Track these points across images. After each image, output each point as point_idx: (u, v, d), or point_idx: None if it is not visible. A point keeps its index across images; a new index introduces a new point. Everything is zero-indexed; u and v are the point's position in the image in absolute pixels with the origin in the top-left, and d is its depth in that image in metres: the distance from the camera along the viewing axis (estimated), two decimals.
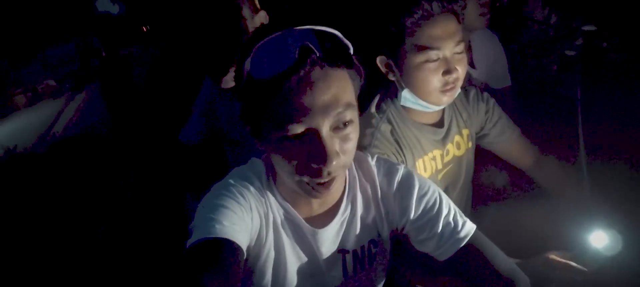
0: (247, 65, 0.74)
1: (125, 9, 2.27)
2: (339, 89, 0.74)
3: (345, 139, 0.76)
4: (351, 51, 0.76)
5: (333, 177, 0.77)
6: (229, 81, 1.42)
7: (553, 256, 0.97)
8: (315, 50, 0.71)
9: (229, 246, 0.76)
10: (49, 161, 1.75)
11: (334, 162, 0.74)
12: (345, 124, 0.75)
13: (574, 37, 1.75)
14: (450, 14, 1.05)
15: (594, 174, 1.19)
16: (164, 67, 1.99)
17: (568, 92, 1.53)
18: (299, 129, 0.73)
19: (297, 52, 0.71)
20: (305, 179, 0.77)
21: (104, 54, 2.05)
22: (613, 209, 1.10)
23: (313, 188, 0.78)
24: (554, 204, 1.27)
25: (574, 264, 0.94)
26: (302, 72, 0.71)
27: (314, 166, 0.74)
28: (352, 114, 0.75)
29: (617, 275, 0.99)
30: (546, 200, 1.29)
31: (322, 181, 0.76)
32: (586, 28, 1.70)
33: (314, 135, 0.73)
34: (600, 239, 1.03)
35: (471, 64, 1.61)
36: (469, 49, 1.59)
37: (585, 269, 0.94)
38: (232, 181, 0.86)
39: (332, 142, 0.74)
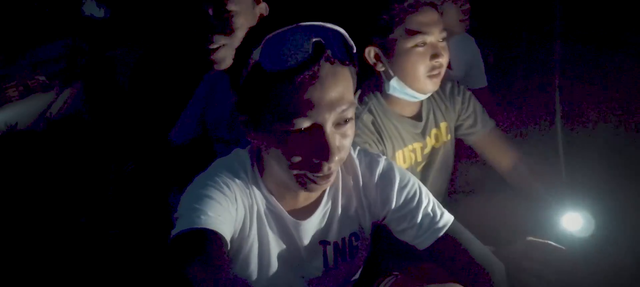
0: (256, 55, 0.75)
1: (110, 13, 2.32)
2: (345, 86, 0.76)
3: (344, 136, 0.79)
4: (354, 50, 0.79)
5: (332, 171, 0.80)
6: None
7: (531, 239, 1.01)
8: (327, 47, 0.74)
9: (214, 237, 0.78)
10: (37, 148, 1.83)
11: (336, 158, 0.76)
12: (346, 121, 0.78)
13: None
14: (432, 8, 1.16)
15: (568, 158, 1.23)
16: (148, 67, 2.03)
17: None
18: (305, 123, 0.74)
19: (311, 47, 0.73)
20: (303, 172, 0.79)
21: (88, 56, 2.09)
22: (586, 191, 1.15)
23: (312, 181, 0.79)
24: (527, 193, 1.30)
25: (552, 243, 0.99)
26: (315, 68, 0.72)
27: (315, 161, 0.76)
28: (352, 112, 0.78)
29: (590, 256, 1.02)
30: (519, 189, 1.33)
31: (321, 175, 0.78)
32: None
33: (318, 130, 0.75)
34: (573, 222, 1.07)
35: (449, 66, 1.67)
36: None
37: (563, 247, 0.98)
38: (216, 172, 0.87)
39: (334, 138, 0.76)
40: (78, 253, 1.52)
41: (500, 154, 1.35)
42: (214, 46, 1.25)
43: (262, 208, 0.90)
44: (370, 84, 1.27)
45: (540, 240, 0.99)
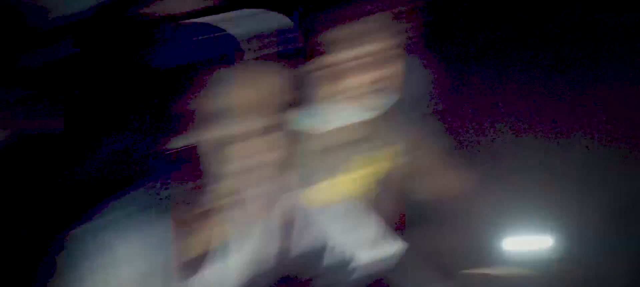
0: None
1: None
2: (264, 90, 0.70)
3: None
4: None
5: None
6: None
7: (466, 271, 0.96)
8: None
9: None
10: None
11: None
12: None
13: None
14: None
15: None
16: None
17: None
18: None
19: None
20: None
21: None
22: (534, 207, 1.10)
23: None
24: (471, 218, 1.21)
25: (489, 271, 0.94)
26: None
27: None
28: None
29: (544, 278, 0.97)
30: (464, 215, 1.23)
31: None
32: None
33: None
34: (524, 242, 1.04)
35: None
36: None
37: (500, 274, 0.92)
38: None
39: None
40: None
41: (445, 173, 1.28)
42: None
43: None
44: None
45: (477, 272, 0.94)
